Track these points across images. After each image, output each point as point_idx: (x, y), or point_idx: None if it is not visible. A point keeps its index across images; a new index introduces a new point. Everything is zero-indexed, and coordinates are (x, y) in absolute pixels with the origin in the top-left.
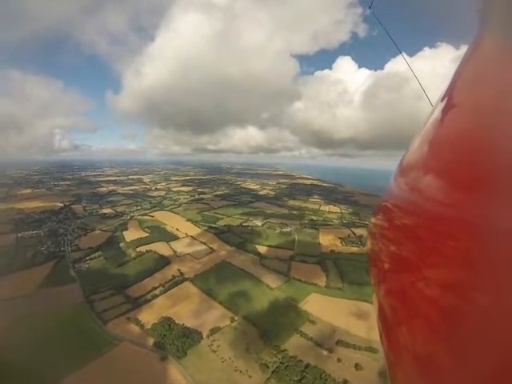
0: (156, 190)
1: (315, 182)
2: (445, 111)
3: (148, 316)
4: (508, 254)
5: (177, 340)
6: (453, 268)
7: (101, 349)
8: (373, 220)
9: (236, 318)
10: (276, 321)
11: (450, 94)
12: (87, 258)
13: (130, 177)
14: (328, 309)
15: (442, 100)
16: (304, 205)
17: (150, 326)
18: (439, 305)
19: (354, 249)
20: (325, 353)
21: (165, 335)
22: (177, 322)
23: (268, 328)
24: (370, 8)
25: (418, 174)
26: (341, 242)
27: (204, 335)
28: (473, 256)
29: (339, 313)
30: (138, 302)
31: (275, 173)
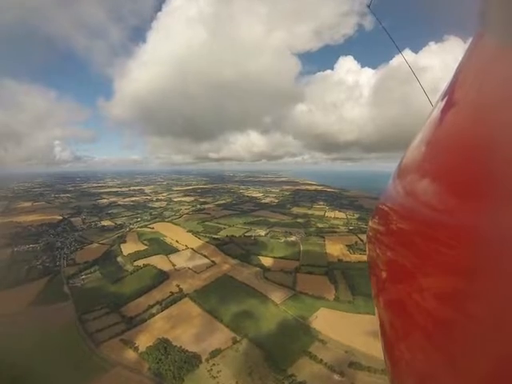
0: (157, 200)
1: (319, 188)
2: (444, 112)
3: (143, 338)
4: (510, 262)
5: (173, 365)
6: (452, 278)
7: (91, 374)
8: (370, 223)
9: (238, 339)
10: (282, 341)
11: (449, 95)
12: (83, 273)
13: (132, 188)
14: (339, 326)
15: (442, 100)
16: (308, 212)
17: (144, 349)
18: (440, 319)
19: (363, 257)
20: (337, 377)
21: (160, 359)
22: (174, 343)
23: (273, 350)
24: (368, 7)
25: (416, 176)
26: (348, 250)
27: (203, 359)
28: (473, 265)
29: (351, 330)
30: (134, 322)
31: (278, 180)
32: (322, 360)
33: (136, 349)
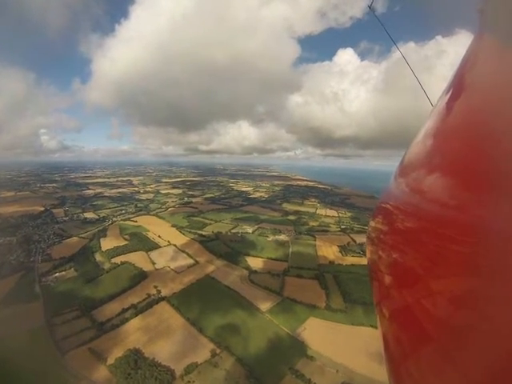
0: (145, 192)
1: (311, 184)
2: (446, 111)
3: (113, 347)
4: None
5: (143, 381)
6: (469, 279)
7: None
8: (371, 223)
9: (217, 352)
10: (266, 356)
11: (451, 93)
12: (57, 270)
13: (120, 178)
14: (329, 339)
15: (444, 99)
16: (299, 208)
17: (113, 361)
18: (455, 328)
19: (356, 259)
20: None
21: (129, 374)
22: (146, 355)
23: (256, 366)
24: (369, 7)
25: (421, 173)
26: (340, 252)
27: (177, 375)
28: (491, 263)
29: (343, 345)
30: (104, 329)
31: (269, 174)
32: (310, 380)
33: (104, 360)
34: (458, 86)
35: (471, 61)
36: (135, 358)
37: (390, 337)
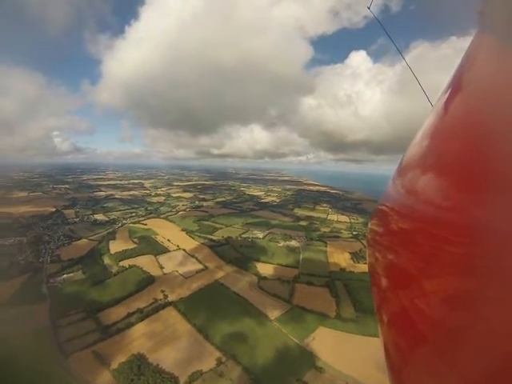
0: (156, 195)
1: (322, 189)
2: (444, 112)
3: (117, 351)
4: None
5: None
6: (463, 279)
7: None
8: (369, 225)
9: (223, 360)
10: (273, 367)
11: (449, 95)
12: (65, 271)
13: (132, 181)
14: (340, 350)
15: (442, 100)
16: (311, 213)
17: (116, 366)
18: (451, 330)
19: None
20: None
21: (132, 380)
22: (150, 361)
23: (263, 376)
24: (368, 8)
25: (417, 173)
26: (352, 259)
27: (181, 382)
28: (485, 263)
29: (354, 356)
30: (109, 332)
31: (281, 178)
32: None
33: (108, 365)
34: (457, 86)
35: (470, 61)
36: (139, 363)
37: (391, 342)
